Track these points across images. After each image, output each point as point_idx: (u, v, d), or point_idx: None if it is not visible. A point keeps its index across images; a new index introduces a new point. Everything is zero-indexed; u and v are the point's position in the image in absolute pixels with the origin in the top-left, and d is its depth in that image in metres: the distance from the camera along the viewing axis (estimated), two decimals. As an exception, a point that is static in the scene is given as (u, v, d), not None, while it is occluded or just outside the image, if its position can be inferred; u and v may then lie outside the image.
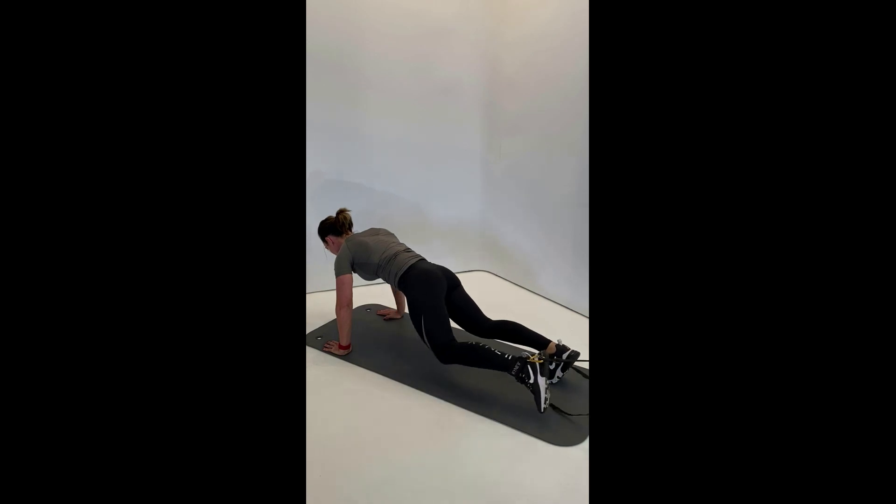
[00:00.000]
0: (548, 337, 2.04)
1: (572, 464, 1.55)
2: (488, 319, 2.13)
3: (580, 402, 1.86)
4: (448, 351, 1.91)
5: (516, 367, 1.77)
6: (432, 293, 2.00)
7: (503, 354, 1.83)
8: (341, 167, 2.85)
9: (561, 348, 1.97)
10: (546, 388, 1.73)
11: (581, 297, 2.63)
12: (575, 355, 1.96)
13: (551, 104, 2.67)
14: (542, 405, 1.72)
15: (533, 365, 1.74)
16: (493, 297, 2.85)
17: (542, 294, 2.95)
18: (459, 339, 1.95)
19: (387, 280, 2.18)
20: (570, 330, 2.40)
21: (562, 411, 1.78)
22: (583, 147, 2.48)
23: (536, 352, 1.85)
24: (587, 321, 2.54)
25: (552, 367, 1.98)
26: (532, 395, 1.76)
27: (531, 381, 1.74)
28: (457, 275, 2.20)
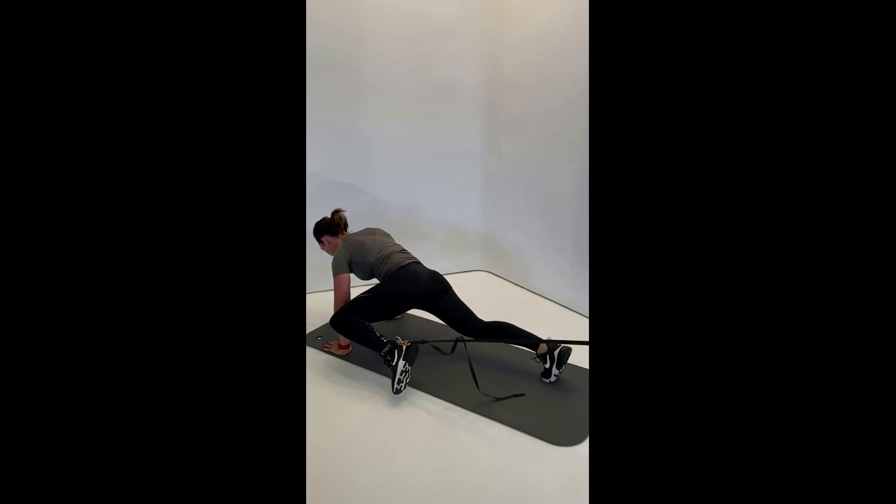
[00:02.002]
0: (540, 336, 2.04)
1: (572, 464, 1.55)
2: (480, 322, 2.13)
3: (580, 402, 1.86)
4: (343, 318, 2.02)
5: (386, 349, 1.89)
6: (403, 294, 2.07)
7: (381, 337, 1.94)
8: (341, 167, 2.85)
9: (552, 346, 1.97)
10: (402, 371, 1.86)
11: (581, 297, 2.63)
12: (567, 351, 1.96)
13: (551, 104, 2.67)
14: (395, 385, 1.86)
15: (400, 348, 1.88)
16: (493, 297, 2.85)
17: (542, 294, 2.95)
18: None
19: (381, 279, 2.18)
20: (570, 330, 2.40)
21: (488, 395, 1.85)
22: (583, 147, 2.48)
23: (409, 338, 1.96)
24: (587, 321, 2.54)
25: (546, 366, 1.98)
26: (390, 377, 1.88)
27: (393, 363, 1.87)
28: (455, 276, 2.20)
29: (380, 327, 2.46)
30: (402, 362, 1.86)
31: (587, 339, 1.90)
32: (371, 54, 2.75)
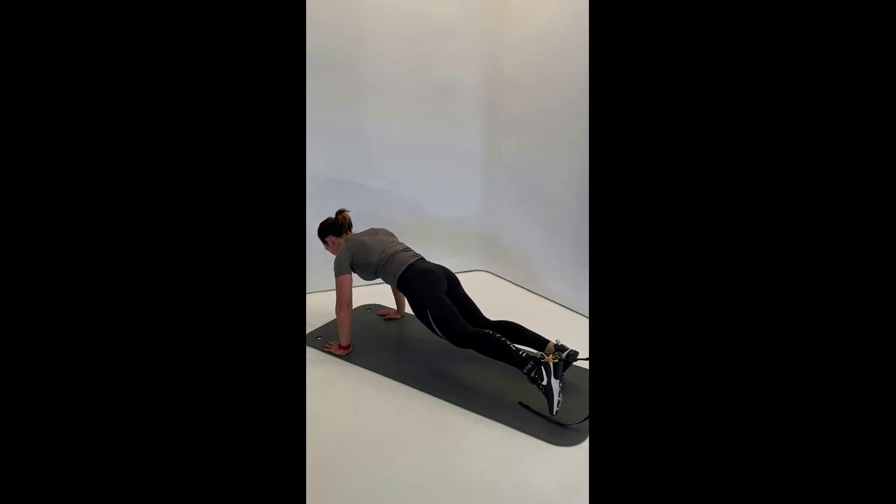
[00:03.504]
0: (546, 337, 2.04)
1: (572, 464, 1.55)
2: (487, 320, 2.13)
3: (580, 402, 1.86)
4: (462, 334, 1.88)
5: (529, 366, 1.73)
6: (432, 287, 2.01)
7: (518, 351, 1.79)
8: (341, 167, 2.85)
9: (559, 348, 1.97)
10: (559, 391, 1.70)
11: (581, 297, 2.63)
12: (574, 355, 1.96)
13: (551, 104, 2.67)
14: (555, 408, 1.69)
15: (546, 365, 1.70)
16: (493, 297, 2.85)
17: (542, 294, 2.95)
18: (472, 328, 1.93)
19: (386, 280, 2.18)
20: (570, 330, 2.40)
21: (558, 422, 1.74)
22: (583, 147, 2.48)
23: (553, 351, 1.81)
24: (587, 321, 2.54)
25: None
26: (545, 398, 1.72)
27: (544, 382, 1.70)
28: (456, 275, 2.20)
29: (381, 328, 2.48)
30: (555, 381, 1.69)
31: (587, 337, 1.88)
32: (371, 54, 2.75)
